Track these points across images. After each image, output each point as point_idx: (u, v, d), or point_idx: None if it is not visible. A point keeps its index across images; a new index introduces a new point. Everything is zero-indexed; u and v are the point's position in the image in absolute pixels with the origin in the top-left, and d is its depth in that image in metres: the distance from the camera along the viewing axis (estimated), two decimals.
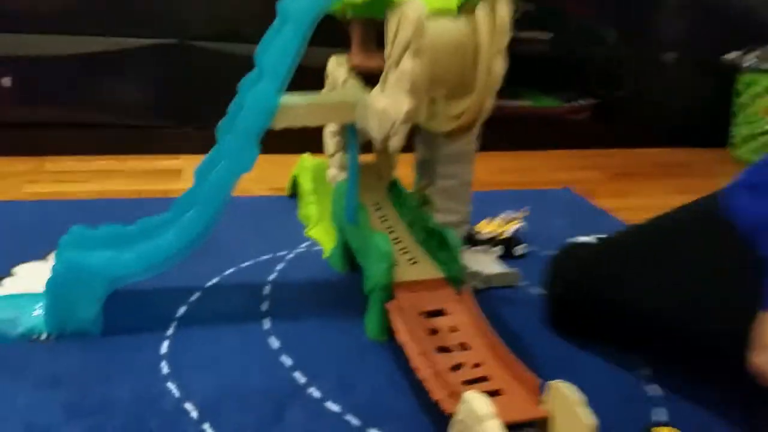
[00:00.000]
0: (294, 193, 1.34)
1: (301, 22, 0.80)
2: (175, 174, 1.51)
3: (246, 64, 0.85)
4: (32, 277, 0.95)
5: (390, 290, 0.84)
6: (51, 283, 0.83)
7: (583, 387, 0.61)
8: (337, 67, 0.97)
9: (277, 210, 1.31)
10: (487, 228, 1.14)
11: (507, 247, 1.13)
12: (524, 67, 1.96)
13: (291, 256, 1.11)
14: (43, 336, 0.84)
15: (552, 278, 0.88)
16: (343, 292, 0.99)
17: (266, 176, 1.49)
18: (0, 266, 0.99)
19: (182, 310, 0.92)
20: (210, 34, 1.57)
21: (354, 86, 0.90)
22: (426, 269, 0.90)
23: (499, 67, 0.72)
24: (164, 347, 0.83)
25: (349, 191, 0.96)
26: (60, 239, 0.90)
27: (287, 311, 0.93)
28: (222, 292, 0.98)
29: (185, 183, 1.15)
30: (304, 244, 1.15)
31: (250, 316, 0.91)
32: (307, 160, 1.29)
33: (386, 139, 0.77)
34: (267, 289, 0.99)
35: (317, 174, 1.25)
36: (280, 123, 0.84)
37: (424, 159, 0.96)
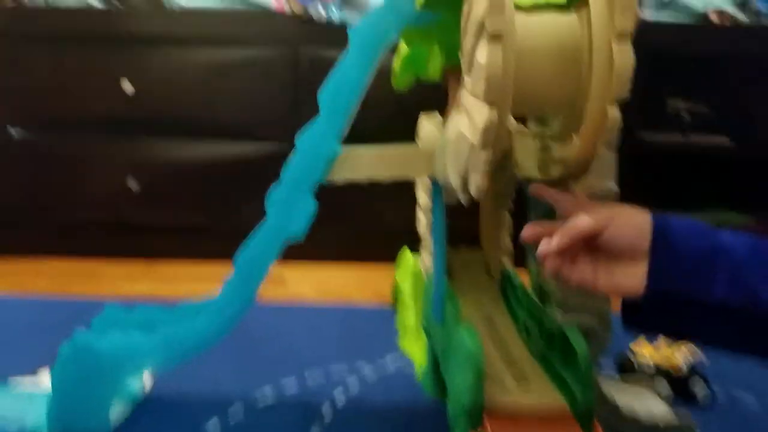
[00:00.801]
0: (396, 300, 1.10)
1: (363, 50, 0.63)
2: (279, 280, 1.37)
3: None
4: None
5: (479, 416, 0.55)
6: (56, 369, 0.67)
7: None
8: (426, 125, 0.77)
9: (370, 318, 1.07)
10: (649, 353, 0.80)
11: (681, 384, 0.77)
12: (702, 177, 1.64)
13: (370, 369, 0.85)
14: None
15: None
16: (429, 426, 0.71)
17: (372, 283, 1.30)
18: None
19: (210, 425, 0.70)
20: None
21: (439, 135, 0.69)
22: (539, 392, 0.60)
23: (626, 64, 0.47)
24: None
25: (435, 275, 0.71)
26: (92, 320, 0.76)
27: None
28: (267, 406, 0.75)
29: (286, 289, 1.21)
30: (391, 357, 0.90)
31: None
32: (409, 256, 1.06)
33: (465, 182, 0.53)
34: (325, 408, 0.74)
35: (419, 273, 1.01)
36: (340, 172, 0.65)
37: None
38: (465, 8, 0.51)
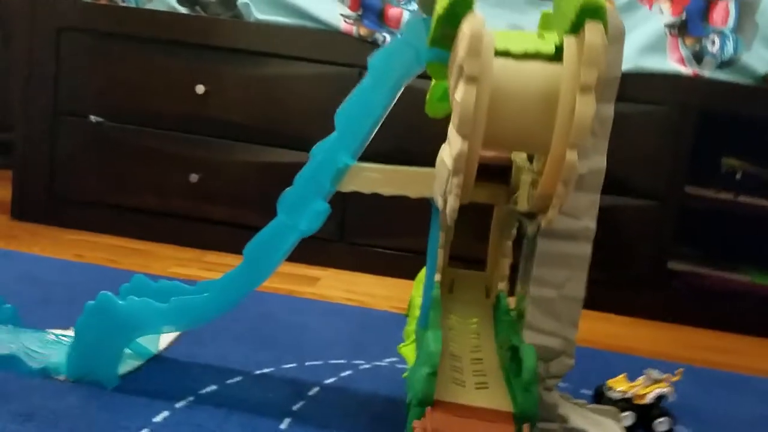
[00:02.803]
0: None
1: (378, 77, 0.71)
2: (312, 280, 1.47)
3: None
4: None
5: (425, 407, 0.62)
6: (80, 321, 0.78)
7: None
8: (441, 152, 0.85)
9: (384, 325, 1.15)
10: (621, 386, 0.84)
11: (644, 415, 0.81)
12: (744, 236, 1.62)
13: (367, 366, 0.93)
14: (61, 377, 0.78)
15: None
16: (401, 411, 0.78)
17: (399, 296, 1.37)
18: None
19: (209, 388, 0.80)
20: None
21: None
22: (491, 397, 0.66)
23: (586, 114, 0.53)
24: (159, 418, 0.71)
25: (426, 287, 0.79)
26: (121, 286, 0.88)
27: (319, 417, 0.75)
28: (263, 382, 0.84)
29: (316, 289, 1.33)
30: (388, 359, 0.97)
31: (271, 412, 0.75)
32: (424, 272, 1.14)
33: (445, 203, 0.61)
34: (314, 390, 0.82)
35: None
36: (349, 184, 0.74)
37: (526, 260, 0.76)
38: (452, 52, 0.59)
